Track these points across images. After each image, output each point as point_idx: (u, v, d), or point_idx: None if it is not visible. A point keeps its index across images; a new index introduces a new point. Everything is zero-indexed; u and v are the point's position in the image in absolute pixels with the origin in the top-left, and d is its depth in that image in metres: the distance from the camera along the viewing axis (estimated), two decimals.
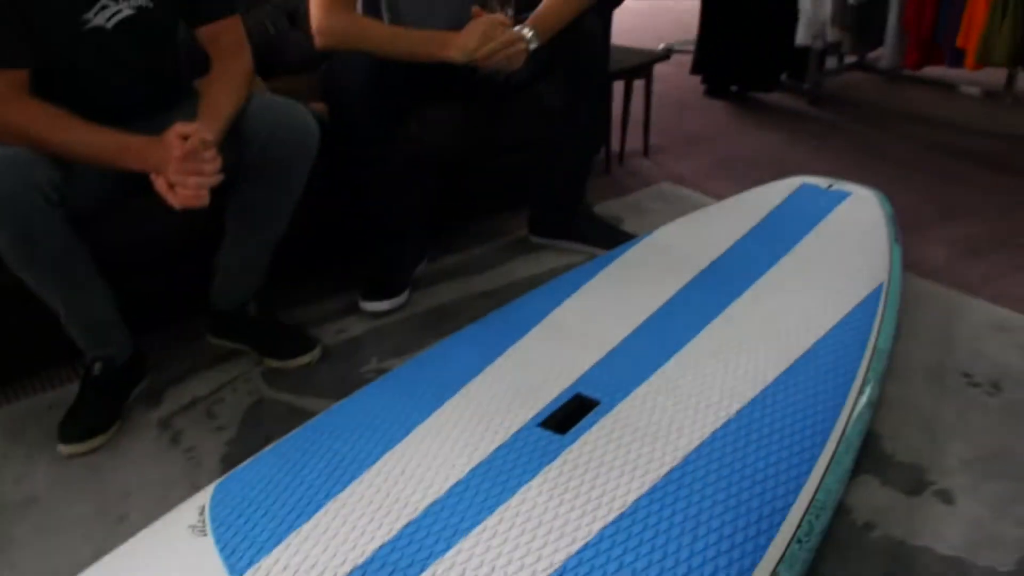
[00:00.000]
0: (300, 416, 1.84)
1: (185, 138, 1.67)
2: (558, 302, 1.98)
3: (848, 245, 2.21)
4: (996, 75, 3.54)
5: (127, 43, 1.85)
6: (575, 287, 2.04)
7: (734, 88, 3.93)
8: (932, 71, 3.47)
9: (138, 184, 1.83)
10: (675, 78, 3.92)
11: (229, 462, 1.74)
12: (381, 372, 1.98)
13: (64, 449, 1.82)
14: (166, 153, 1.68)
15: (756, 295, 1.97)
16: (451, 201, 2.58)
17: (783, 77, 3.94)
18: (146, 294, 2.08)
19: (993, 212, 2.73)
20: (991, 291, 2.25)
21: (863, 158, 3.21)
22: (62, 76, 1.81)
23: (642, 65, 2.99)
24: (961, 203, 2.79)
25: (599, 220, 2.52)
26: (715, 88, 3.94)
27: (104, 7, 1.79)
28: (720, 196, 2.81)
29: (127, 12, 1.82)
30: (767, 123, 3.60)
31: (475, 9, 2.08)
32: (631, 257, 2.22)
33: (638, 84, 3.06)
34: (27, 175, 1.64)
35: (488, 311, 2.06)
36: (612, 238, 2.43)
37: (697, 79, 3.98)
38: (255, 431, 1.84)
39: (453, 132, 2.43)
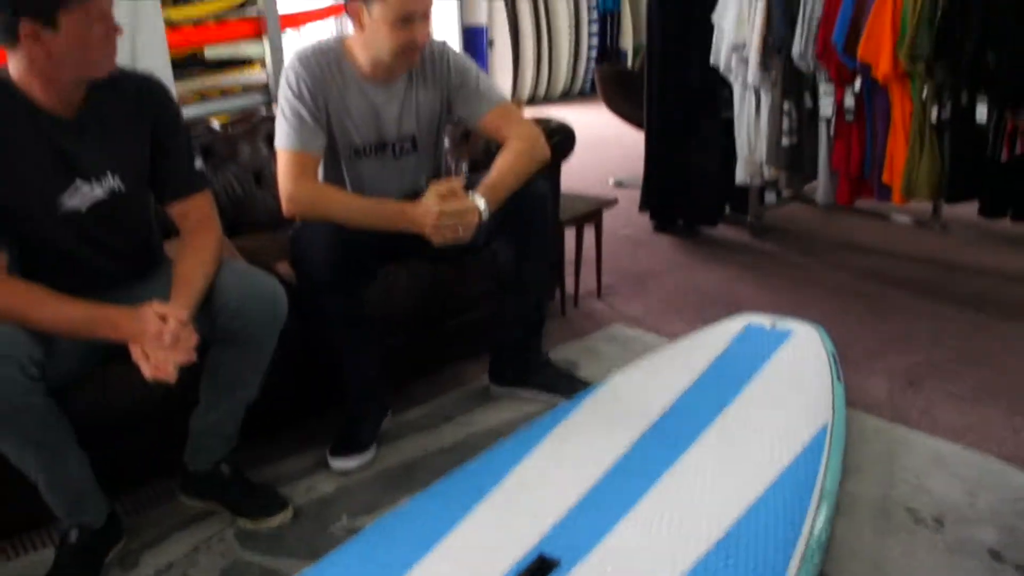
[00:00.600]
0: None
1: (162, 317, 1.77)
2: (519, 459, 2.06)
3: (793, 387, 2.33)
4: (925, 204, 3.76)
5: (102, 224, 1.96)
6: (534, 443, 2.13)
7: (681, 222, 4.11)
8: (867, 202, 3.68)
9: (113, 352, 1.92)
10: (625, 213, 4.10)
11: None
12: (351, 531, 2.03)
13: None
14: (142, 326, 1.78)
15: (706, 445, 2.07)
16: (412, 354, 2.67)
17: (727, 209, 4.13)
18: (119, 456, 2.12)
19: (927, 339, 2.89)
20: (929, 423, 2.37)
21: (804, 288, 3.37)
22: (40, 255, 1.91)
23: (591, 212, 3.15)
24: (898, 332, 2.95)
25: (556, 368, 2.62)
26: (663, 223, 4.12)
27: (77, 189, 1.90)
28: (671, 335, 2.94)
29: (100, 195, 1.93)
30: (713, 257, 3.78)
31: (431, 180, 2.21)
32: (587, 408, 2.31)
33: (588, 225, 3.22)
34: (8, 352, 1.72)
35: (453, 465, 2.14)
36: (569, 386, 2.53)
37: (647, 216, 4.16)
38: None
39: (414, 292, 2.54)
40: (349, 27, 2.32)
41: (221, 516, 2.15)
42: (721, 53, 3.57)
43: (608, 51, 8.64)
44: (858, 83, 3.23)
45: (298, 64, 2.29)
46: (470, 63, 2.47)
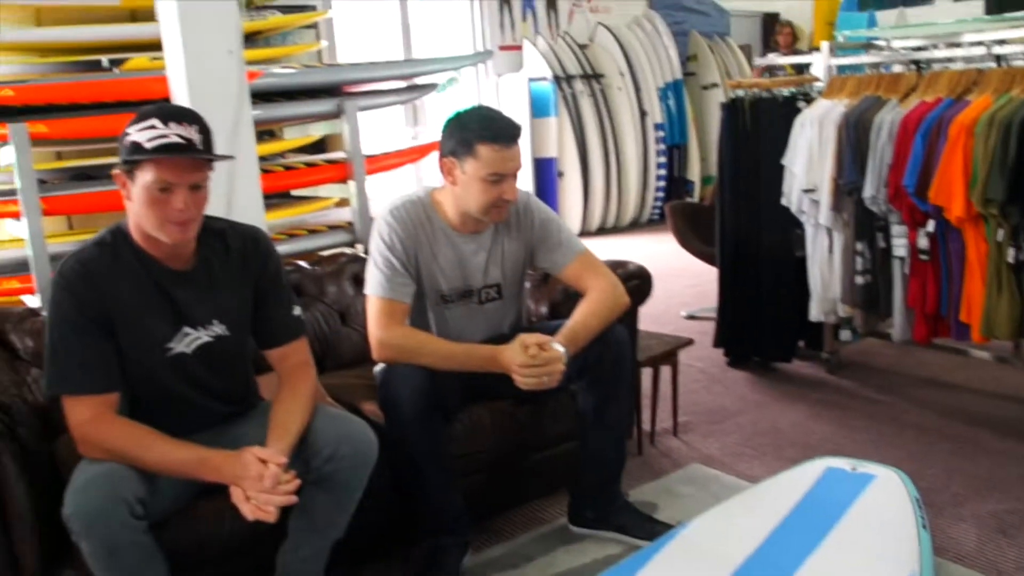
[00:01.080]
0: None
1: (263, 461, 1.85)
2: None
3: (877, 534, 2.30)
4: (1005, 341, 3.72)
5: (205, 366, 2.09)
6: None
7: (755, 358, 4.12)
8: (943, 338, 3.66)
9: (205, 488, 2.03)
10: (698, 348, 4.12)
11: None
12: None
13: None
14: (243, 470, 1.87)
15: None
16: (493, 491, 2.70)
17: (801, 345, 4.14)
18: None
19: (1017, 484, 2.83)
20: None
21: (884, 427, 3.34)
22: (147, 395, 2.03)
23: (668, 352, 3.20)
24: (985, 476, 2.89)
25: (636, 512, 2.62)
26: (737, 359, 4.14)
27: (186, 335, 2.04)
28: (749, 477, 2.93)
29: (206, 339, 2.07)
30: (789, 394, 3.77)
31: (513, 326, 2.29)
32: (668, 553, 2.30)
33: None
34: (116, 491, 1.82)
35: None
36: (650, 529, 2.53)
37: (720, 352, 4.18)
38: None
39: (496, 430, 2.60)
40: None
41: None
42: (792, 195, 3.65)
43: (675, 181, 8.80)
44: (931, 225, 3.26)
45: (390, 216, 2.42)
46: (552, 214, 2.58)
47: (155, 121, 1.86)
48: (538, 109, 8.03)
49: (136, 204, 1.91)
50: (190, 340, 2.04)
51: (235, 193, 3.06)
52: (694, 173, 8.88)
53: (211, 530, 2.13)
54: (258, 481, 1.85)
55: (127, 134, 1.88)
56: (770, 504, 2.52)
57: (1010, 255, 3.09)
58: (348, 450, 2.04)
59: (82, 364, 1.92)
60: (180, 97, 3.07)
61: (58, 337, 1.93)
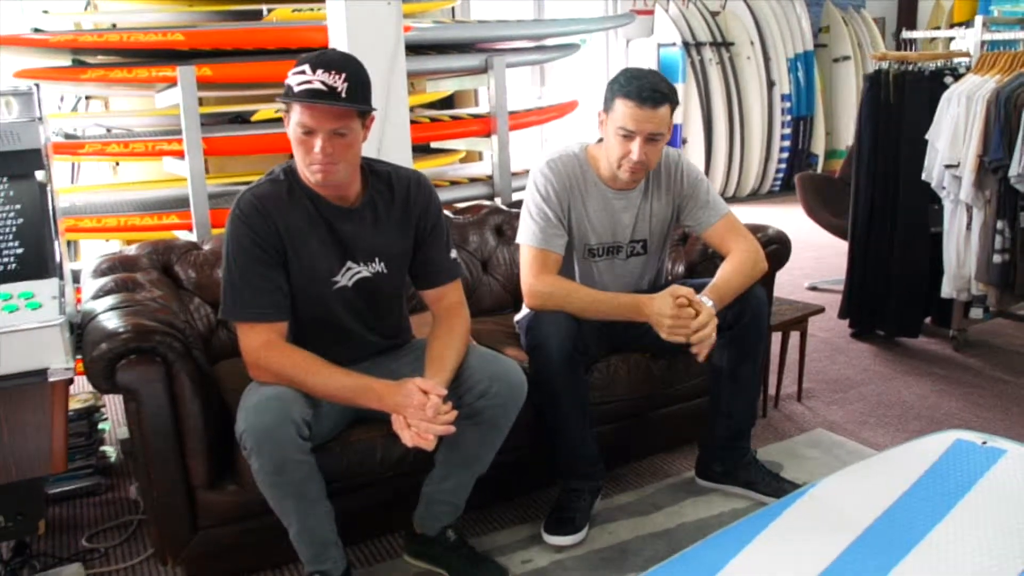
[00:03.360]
0: None
1: (424, 392, 2.00)
2: (730, 557, 2.15)
3: (1005, 508, 2.32)
4: None
5: (364, 299, 2.24)
6: (747, 540, 2.21)
7: (880, 332, 4.12)
8: None
9: (360, 419, 2.22)
10: (822, 318, 4.14)
11: None
12: None
13: None
14: (405, 399, 2.01)
15: (919, 558, 2.10)
16: (624, 441, 2.81)
17: (927, 321, 4.11)
18: (351, 513, 2.33)
19: None
20: None
21: (1012, 407, 3.33)
22: (312, 325, 2.19)
23: (799, 319, 3.24)
24: None
25: (763, 469, 2.70)
26: (862, 331, 4.15)
27: (349, 269, 2.19)
28: (874, 445, 2.98)
29: (366, 274, 2.22)
30: (914, 369, 3.77)
31: (676, 291, 2.37)
32: (795, 511, 2.37)
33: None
34: (286, 412, 1.99)
35: (663, 552, 2.26)
36: (776, 487, 2.61)
37: (843, 322, 4.19)
38: None
39: (632, 381, 2.70)
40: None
41: None
42: (934, 170, 3.62)
43: (800, 154, 8.69)
44: None
45: (547, 169, 2.53)
46: (701, 175, 2.66)
47: (306, 67, 1.99)
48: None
49: (292, 143, 2.07)
50: (352, 274, 2.19)
51: (385, 139, 3.21)
52: (819, 146, 8.75)
53: (362, 459, 2.30)
54: (420, 410, 1.99)
55: (288, 76, 2.02)
56: (898, 471, 2.56)
57: None
58: (500, 388, 2.17)
59: (257, 293, 2.08)
60: (339, 45, 3.23)
61: (235, 267, 2.09)
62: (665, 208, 2.64)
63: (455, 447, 2.21)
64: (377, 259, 2.21)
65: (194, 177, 3.25)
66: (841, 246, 4.71)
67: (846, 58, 8.75)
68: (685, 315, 2.31)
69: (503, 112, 3.71)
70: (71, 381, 1.99)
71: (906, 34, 5.19)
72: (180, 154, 3.38)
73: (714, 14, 8.35)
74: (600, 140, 2.58)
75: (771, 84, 8.26)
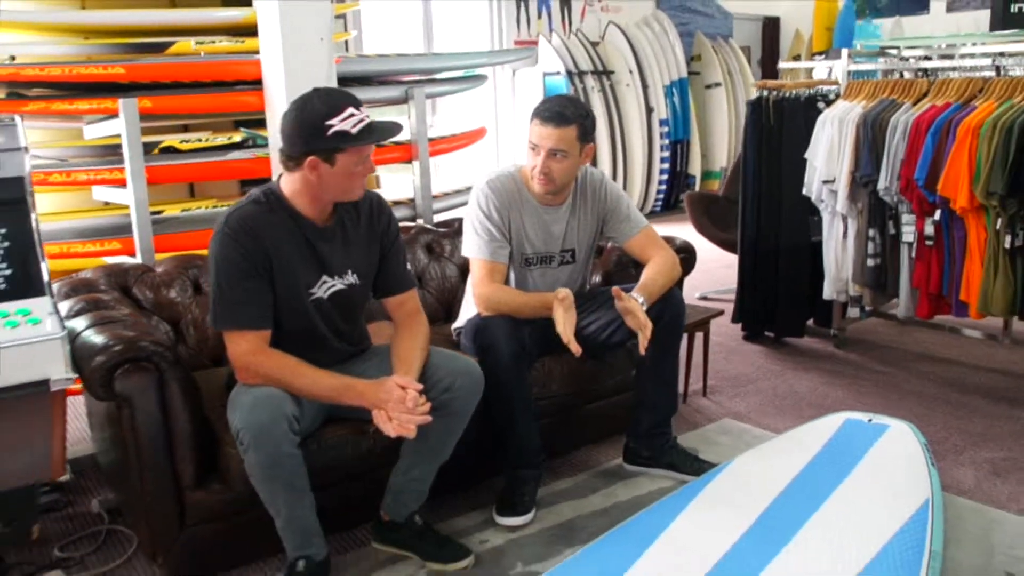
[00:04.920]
0: None
1: (402, 388, 2.24)
2: (667, 523, 2.46)
3: (895, 470, 2.71)
4: (994, 320, 4.15)
5: (337, 310, 2.48)
6: (679, 510, 2.53)
7: (769, 334, 4.55)
8: (939, 317, 4.09)
9: (331, 419, 2.48)
10: (716, 323, 4.53)
11: None
12: (529, 575, 2.43)
13: None
14: (386, 395, 2.26)
15: (825, 515, 2.45)
16: (557, 434, 3.10)
17: (810, 323, 4.56)
18: (323, 508, 2.51)
19: (1007, 437, 3.27)
20: (1018, 506, 2.75)
21: (889, 393, 3.77)
22: (290, 333, 2.40)
23: (703, 320, 3.61)
24: (979, 432, 3.33)
25: (684, 451, 3.03)
26: (752, 334, 4.57)
27: (324, 282, 2.43)
28: (775, 429, 3.35)
29: (340, 286, 2.46)
30: (802, 365, 4.20)
31: (614, 289, 2.68)
32: (716, 485, 2.70)
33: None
34: (280, 409, 2.21)
35: (604, 527, 2.54)
36: (697, 467, 2.94)
37: (735, 326, 4.60)
38: None
39: (564, 380, 3.01)
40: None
41: (409, 561, 2.55)
42: (813, 185, 4.06)
43: (678, 175, 9.22)
44: (937, 214, 3.69)
45: (487, 188, 2.81)
46: (621, 193, 2.98)
47: (352, 111, 2.24)
48: None
49: (335, 178, 2.29)
50: (327, 287, 2.42)
51: None
52: (695, 167, 9.31)
53: (336, 454, 2.52)
54: (400, 404, 2.24)
55: (330, 125, 2.23)
56: (800, 447, 2.93)
57: (1007, 241, 3.52)
58: (464, 381, 2.43)
59: (246, 303, 2.29)
60: (275, 80, 3.44)
61: (225, 280, 2.29)
62: (591, 222, 2.95)
63: (422, 438, 2.40)
64: (350, 272, 2.44)
65: (138, 204, 3.38)
66: (725, 259, 5.15)
67: (717, 84, 9.36)
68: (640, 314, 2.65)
69: (423, 139, 3.97)
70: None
71: (782, 65, 5.70)
72: (121, 182, 3.52)
73: (594, 44, 8.82)
74: None
75: (650, 110, 8.77)
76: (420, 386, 2.29)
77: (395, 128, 2.34)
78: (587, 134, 2.79)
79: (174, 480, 2.40)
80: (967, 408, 3.59)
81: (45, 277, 2.25)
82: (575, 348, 2.61)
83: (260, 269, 2.30)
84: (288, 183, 2.35)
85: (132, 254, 3.52)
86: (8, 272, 2.22)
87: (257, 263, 2.29)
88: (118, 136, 3.54)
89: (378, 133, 2.30)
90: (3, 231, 2.26)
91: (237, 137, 4.05)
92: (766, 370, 4.15)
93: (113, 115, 3.47)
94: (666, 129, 8.95)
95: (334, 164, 2.27)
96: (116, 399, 2.31)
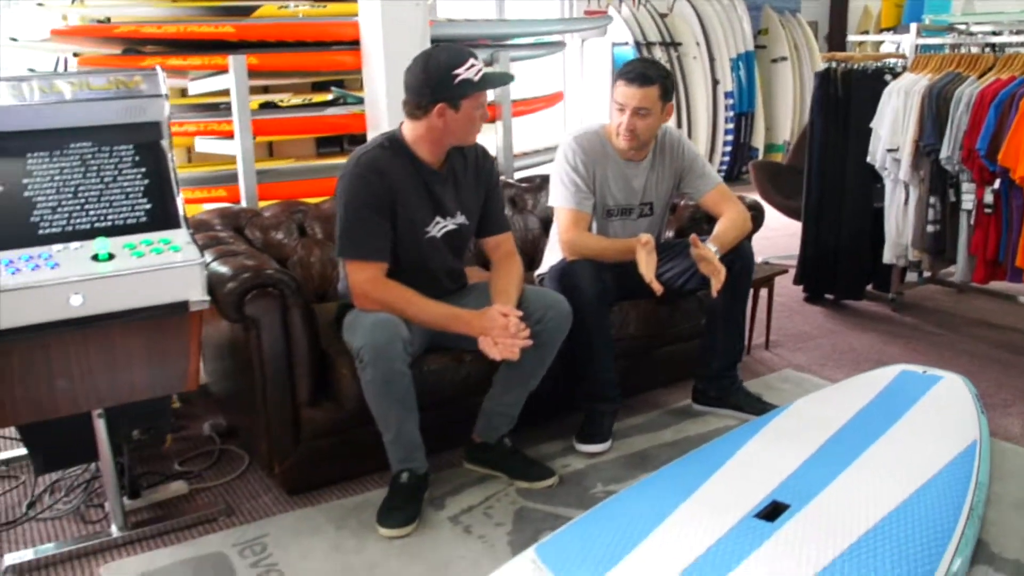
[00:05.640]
0: (556, 519, 2.56)
1: (504, 315, 2.51)
2: (736, 448, 2.71)
3: (947, 413, 2.93)
4: None
5: (447, 248, 2.76)
6: (746, 439, 2.78)
7: (829, 296, 4.76)
8: (994, 284, 4.27)
9: (433, 347, 2.74)
10: (778, 285, 4.75)
11: (515, 546, 2.44)
12: (608, 493, 2.69)
13: (387, 532, 2.54)
14: (490, 323, 2.53)
15: (882, 446, 2.69)
16: (631, 375, 3.35)
17: (869, 287, 4.75)
18: (423, 429, 2.79)
19: None
20: None
21: (943, 353, 3.97)
22: (404, 267, 2.66)
23: (768, 277, 3.83)
24: None
25: (749, 393, 3.27)
26: (813, 296, 4.78)
27: (438, 223, 2.70)
28: (834, 380, 3.56)
29: (451, 227, 2.73)
30: (860, 325, 4.40)
31: (692, 237, 2.93)
32: (779, 422, 2.95)
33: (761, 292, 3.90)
34: (397, 332, 2.49)
35: (676, 456, 2.79)
36: (761, 407, 3.18)
37: (797, 288, 4.81)
38: (527, 526, 2.56)
39: (640, 322, 3.26)
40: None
41: (498, 480, 2.83)
42: (877, 153, 4.25)
43: (741, 147, 9.35)
44: (997, 183, 3.85)
45: (575, 144, 3.06)
46: (698, 151, 3.21)
47: (473, 61, 2.51)
48: None
49: (458, 124, 2.56)
50: (440, 227, 2.70)
51: None
52: (759, 140, 9.42)
53: (436, 379, 2.80)
54: (504, 330, 2.51)
55: (457, 75, 2.50)
56: (858, 392, 3.16)
57: None
58: (554, 314, 2.69)
59: (370, 236, 2.57)
60: (374, 40, 3.70)
61: (353, 214, 2.57)
62: (668, 177, 3.19)
63: (515, 366, 2.67)
64: (459, 213, 2.71)
65: (245, 154, 3.67)
66: (789, 227, 5.34)
67: (783, 59, 9.45)
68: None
69: (507, 100, 4.22)
70: None
71: (851, 38, 5.85)
72: (228, 134, 3.82)
73: (663, 16, 8.96)
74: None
75: (716, 82, 8.90)
76: (520, 313, 2.56)
77: (508, 77, 2.61)
78: (667, 93, 3.03)
79: (292, 397, 2.70)
80: (1018, 368, 3.77)
81: (180, 211, 2.53)
82: (657, 287, 2.86)
83: (384, 206, 2.57)
84: (411, 130, 2.62)
85: (237, 201, 3.82)
86: (148, 206, 2.50)
87: (383, 200, 2.56)
88: (220, 92, 3.84)
89: (496, 79, 2.57)
90: (143, 169, 2.54)
91: (329, 96, 4.34)
92: (825, 328, 4.36)
93: (222, 71, 3.76)
94: (731, 101, 9.07)
95: (459, 110, 2.54)
96: (245, 321, 2.61)
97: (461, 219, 2.73)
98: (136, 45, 3.97)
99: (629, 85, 2.98)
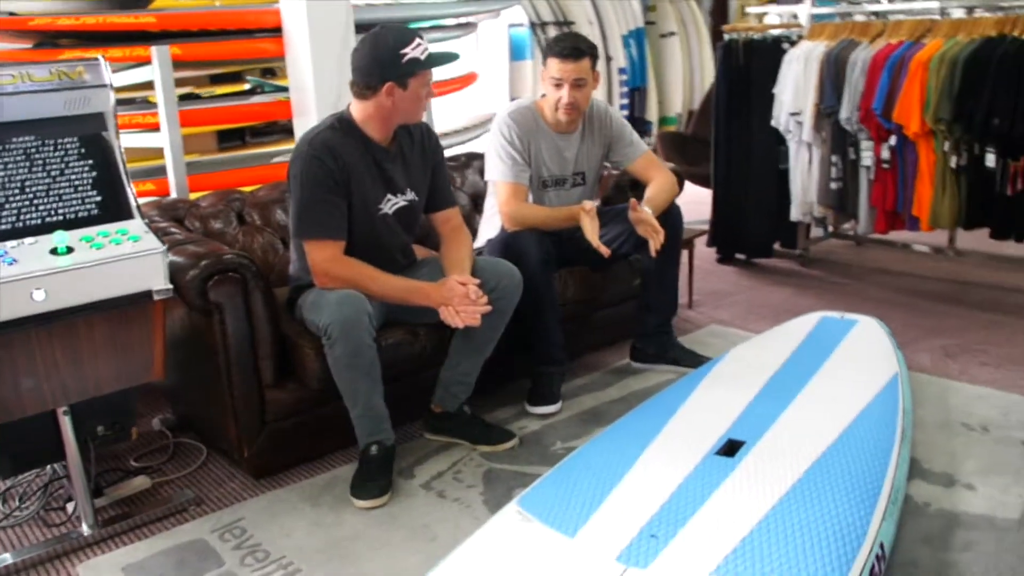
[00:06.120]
0: (525, 476, 2.69)
1: (463, 284, 2.62)
2: (685, 397, 2.87)
3: (868, 352, 3.17)
4: (940, 236, 4.65)
5: (398, 224, 2.84)
6: (693, 387, 2.95)
7: (740, 256, 5.01)
8: (891, 235, 4.58)
9: (390, 321, 2.81)
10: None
11: (491, 505, 2.56)
12: (569, 449, 2.83)
13: (363, 504, 2.61)
14: (450, 292, 2.63)
15: (818, 383, 2.89)
16: (571, 339, 3.49)
17: (776, 245, 5.02)
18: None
19: (956, 329, 3.78)
20: (967, 378, 3.24)
21: (851, 300, 4.25)
22: (358, 245, 2.72)
23: (689, 239, 4.04)
24: (931, 326, 3.83)
25: (684, 348, 3.46)
26: (725, 256, 5.03)
27: (389, 199, 2.78)
28: (758, 331, 3.77)
29: (402, 203, 2.81)
30: (772, 280, 4.67)
31: (632, 201, 3.07)
32: (719, 370, 3.12)
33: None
34: (362, 307, 2.57)
35: (628, 410, 2.94)
36: (696, 360, 3.37)
37: (710, 250, 5.05)
38: (498, 485, 2.68)
39: (579, 288, 3.41)
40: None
41: (460, 447, 2.93)
42: (780, 117, 4.50)
43: (636, 121, 9.60)
44: (893, 139, 4.14)
45: (509, 119, 3.18)
46: (625, 121, 3.38)
47: (419, 40, 2.59)
48: (516, 53, 8.70)
49: (406, 102, 2.64)
50: (392, 204, 2.78)
51: (341, 100, 3.74)
52: (652, 114, 9.67)
53: (393, 353, 2.87)
54: (464, 297, 2.61)
55: (404, 54, 2.57)
56: (786, 338, 3.37)
57: (952, 162, 3.99)
58: (506, 282, 2.81)
59: (327, 215, 2.63)
60: (298, 25, 3.73)
61: (309, 194, 2.62)
62: (598, 147, 3.34)
63: (470, 335, 2.81)
64: (409, 190, 2.80)
65: (173, 146, 3.66)
66: (696, 195, 5.58)
67: (672, 34, 9.70)
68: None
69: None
70: None
71: (749, 9, 6.11)
72: (153, 126, 3.79)
73: None
74: (544, 95, 3.25)
75: (609, 59, 9.10)
76: (478, 280, 2.67)
77: (453, 56, 2.70)
78: (596, 62, 3.18)
79: (257, 379, 2.75)
80: (920, 309, 4.08)
81: (133, 202, 2.52)
82: (604, 250, 3.01)
83: (339, 185, 2.64)
84: (360, 110, 2.69)
85: (166, 194, 3.80)
86: (99, 199, 2.48)
87: (337, 180, 2.63)
88: (139, 86, 3.80)
89: (441, 57, 2.66)
90: (91, 162, 2.52)
91: (245, 86, 4.35)
92: (741, 285, 4.61)
93: (144, 63, 3.73)
94: (624, 77, 9.28)
95: (407, 88, 2.62)
96: (209, 306, 2.64)
97: (411, 195, 2.82)
98: (52, 38, 3.89)
99: (565, 61, 3.10)
